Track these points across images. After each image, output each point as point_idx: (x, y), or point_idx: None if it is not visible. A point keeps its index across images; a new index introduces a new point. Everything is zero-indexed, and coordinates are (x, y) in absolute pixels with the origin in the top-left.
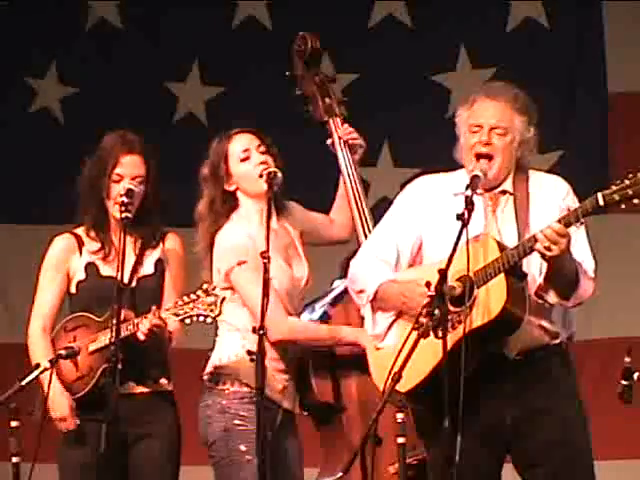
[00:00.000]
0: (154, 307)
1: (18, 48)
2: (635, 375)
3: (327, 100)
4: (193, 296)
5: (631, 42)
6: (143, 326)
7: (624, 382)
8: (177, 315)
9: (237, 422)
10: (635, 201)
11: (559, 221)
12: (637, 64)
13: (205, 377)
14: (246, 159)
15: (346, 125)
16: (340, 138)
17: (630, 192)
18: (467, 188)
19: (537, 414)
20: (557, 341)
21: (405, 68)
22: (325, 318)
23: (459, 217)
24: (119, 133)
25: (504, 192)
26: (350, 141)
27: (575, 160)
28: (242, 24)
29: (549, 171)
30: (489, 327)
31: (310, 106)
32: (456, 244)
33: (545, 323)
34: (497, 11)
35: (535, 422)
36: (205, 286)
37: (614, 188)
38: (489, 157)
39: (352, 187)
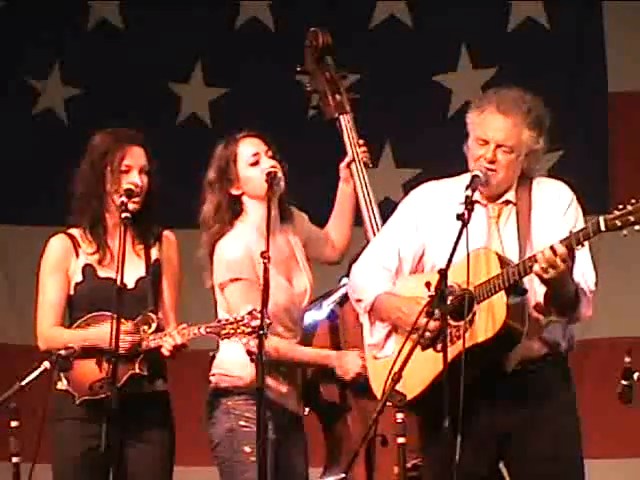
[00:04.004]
0: (185, 324)
1: (21, 49)
2: (635, 375)
3: (337, 97)
4: (238, 317)
5: (631, 42)
6: (167, 343)
7: (624, 382)
8: (219, 335)
9: (242, 423)
10: (637, 227)
11: (561, 243)
12: (637, 64)
13: (211, 378)
14: (255, 163)
15: (364, 148)
16: (354, 160)
17: (632, 219)
18: (467, 188)
19: (531, 426)
20: (556, 351)
21: (406, 68)
22: (333, 317)
23: (459, 217)
24: (110, 130)
25: (507, 202)
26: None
27: (575, 160)
28: (245, 25)
29: (549, 170)
30: (489, 343)
31: (320, 103)
32: (456, 243)
33: (544, 334)
34: (498, 11)
35: (528, 435)
36: (250, 308)
37: (616, 213)
38: (493, 170)
39: (362, 190)
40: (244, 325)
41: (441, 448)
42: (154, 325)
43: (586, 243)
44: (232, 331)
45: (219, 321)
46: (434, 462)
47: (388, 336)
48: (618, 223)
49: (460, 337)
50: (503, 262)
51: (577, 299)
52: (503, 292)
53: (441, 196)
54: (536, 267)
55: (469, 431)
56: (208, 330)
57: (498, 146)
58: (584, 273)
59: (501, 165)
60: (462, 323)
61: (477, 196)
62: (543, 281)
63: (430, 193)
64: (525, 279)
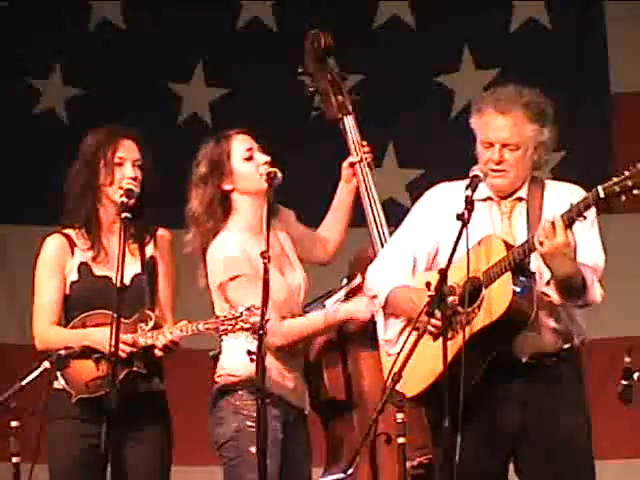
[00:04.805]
0: (185, 322)
1: (21, 49)
2: (635, 375)
3: (340, 98)
4: (236, 313)
5: (633, 42)
6: (159, 342)
7: (624, 382)
8: (217, 330)
9: (249, 423)
10: (635, 192)
11: (562, 216)
12: (639, 65)
13: (218, 379)
14: (250, 158)
15: (367, 148)
16: (362, 161)
17: (630, 183)
18: (467, 188)
19: (543, 422)
20: (569, 345)
21: (409, 69)
22: None
23: (459, 217)
24: (101, 128)
25: (519, 199)
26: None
27: (577, 161)
28: (246, 25)
29: (552, 171)
30: (496, 326)
31: (322, 104)
32: (456, 244)
33: (558, 326)
34: (500, 12)
35: (540, 430)
36: (248, 304)
37: (614, 180)
38: (503, 171)
39: (367, 191)
40: (242, 321)
41: (443, 441)
42: (151, 323)
43: (596, 234)
44: (230, 327)
45: (217, 317)
46: (440, 454)
47: (402, 332)
48: (617, 189)
49: (469, 323)
50: (508, 247)
51: (584, 283)
52: (509, 274)
53: (454, 196)
54: (534, 238)
55: (479, 424)
56: (206, 327)
57: (504, 146)
58: (591, 252)
59: (510, 164)
60: (468, 310)
61: (490, 193)
62: (543, 258)
63: (444, 194)
64: (534, 266)
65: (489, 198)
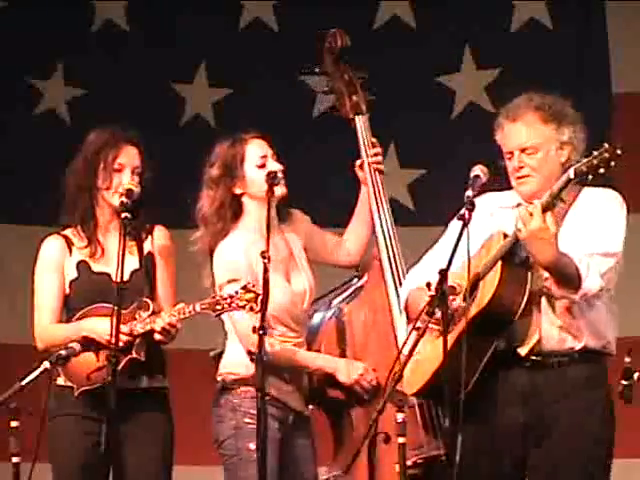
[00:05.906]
0: (182, 304)
1: (24, 50)
2: (635, 375)
3: (354, 98)
4: (232, 292)
5: (634, 42)
6: (157, 325)
7: (624, 382)
8: (214, 311)
9: (248, 420)
10: (601, 170)
11: (540, 201)
12: None
13: (218, 378)
14: (262, 165)
15: (378, 149)
16: (369, 164)
17: (595, 162)
18: (467, 188)
19: (547, 423)
20: (581, 346)
21: (409, 69)
22: (338, 314)
23: (460, 217)
24: (106, 129)
25: None
26: (375, 166)
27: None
28: (248, 26)
29: None
30: (485, 313)
31: (337, 103)
32: (456, 244)
33: (565, 323)
34: (501, 12)
35: (542, 431)
36: (244, 282)
37: (583, 161)
38: (526, 176)
39: (375, 190)
40: (238, 299)
41: (444, 440)
42: (149, 310)
43: (618, 217)
44: (227, 306)
45: (213, 297)
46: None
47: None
48: (584, 169)
49: (465, 315)
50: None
51: (578, 274)
52: (500, 263)
53: (487, 207)
54: (514, 226)
55: (487, 424)
56: (203, 307)
57: (522, 151)
58: (598, 240)
59: (532, 168)
60: (465, 303)
61: (520, 199)
62: (525, 245)
63: (479, 207)
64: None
65: (520, 204)
